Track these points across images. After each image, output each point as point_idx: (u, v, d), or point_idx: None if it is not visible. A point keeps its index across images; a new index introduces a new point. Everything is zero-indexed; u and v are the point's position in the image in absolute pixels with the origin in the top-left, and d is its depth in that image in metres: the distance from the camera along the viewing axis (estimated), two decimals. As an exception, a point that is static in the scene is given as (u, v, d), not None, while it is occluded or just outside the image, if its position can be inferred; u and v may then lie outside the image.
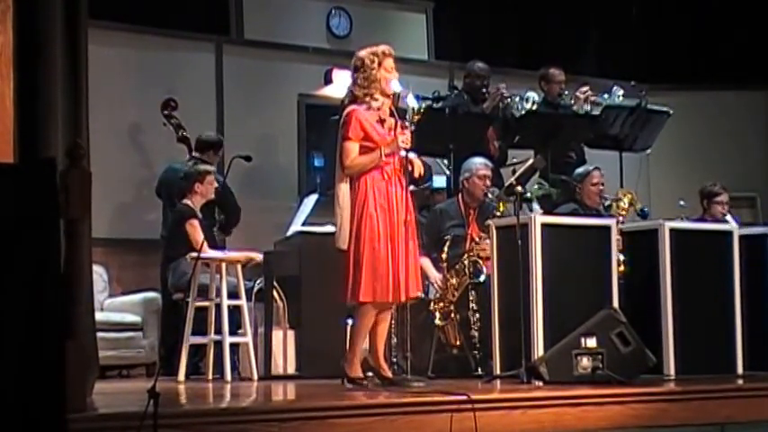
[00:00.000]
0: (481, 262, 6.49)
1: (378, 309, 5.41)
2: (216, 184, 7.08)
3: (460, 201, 6.98)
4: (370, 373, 5.51)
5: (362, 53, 5.51)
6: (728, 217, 7.96)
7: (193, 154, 7.76)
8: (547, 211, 7.04)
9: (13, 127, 4.08)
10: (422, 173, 5.59)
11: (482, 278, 6.45)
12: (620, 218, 6.96)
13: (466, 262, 6.57)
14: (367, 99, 5.46)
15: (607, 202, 7.27)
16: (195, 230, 6.77)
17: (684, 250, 6.04)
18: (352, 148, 5.41)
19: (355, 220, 5.36)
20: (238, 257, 6.71)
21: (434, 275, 6.72)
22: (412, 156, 5.46)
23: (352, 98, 5.51)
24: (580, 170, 7.42)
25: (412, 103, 5.60)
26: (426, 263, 6.78)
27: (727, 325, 6.14)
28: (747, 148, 10.77)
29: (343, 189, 5.43)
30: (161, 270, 7.49)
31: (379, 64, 5.46)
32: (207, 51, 9.16)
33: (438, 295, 6.67)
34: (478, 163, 6.96)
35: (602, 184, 7.30)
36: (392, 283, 5.33)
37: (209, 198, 7.08)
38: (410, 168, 5.44)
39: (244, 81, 9.22)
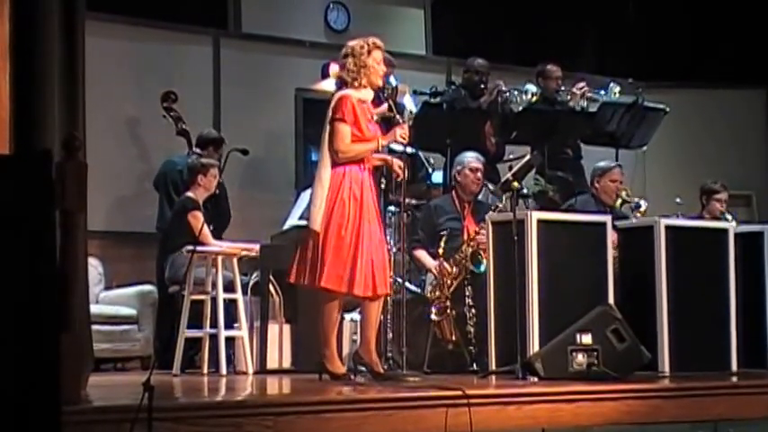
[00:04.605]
0: (482, 253, 6.48)
1: (339, 299, 5.41)
2: (219, 178, 7.09)
3: (455, 196, 7.00)
4: (362, 368, 5.51)
5: (353, 41, 5.57)
6: (728, 216, 7.96)
7: (194, 150, 7.76)
8: (546, 207, 7.07)
9: (10, 118, 4.07)
10: (401, 175, 5.60)
11: (482, 268, 6.43)
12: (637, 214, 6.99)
13: (468, 252, 6.57)
14: (355, 84, 5.47)
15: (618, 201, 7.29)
16: (198, 221, 6.77)
17: (680, 247, 6.05)
18: (346, 131, 5.42)
19: (329, 205, 5.37)
20: (235, 251, 6.70)
21: (432, 263, 6.72)
22: (392, 158, 5.58)
23: (342, 84, 5.53)
24: (602, 164, 7.40)
25: (410, 105, 5.65)
26: (423, 254, 6.80)
27: (722, 322, 6.15)
28: (744, 147, 10.77)
29: (327, 172, 5.42)
30: (157, 262, 7.48)
31: (369, 52, 5.49)
32: (204, 45, 9.15)
33: (435, 282, 6.66)
34: (470, 156, 7.02)
35: (621, 182, 7.32)
36: (359, 275, 5.32)
37: (211, 191, 7.09)
38: (392, 168, 5.53)
39: (241, 75, 9.21)
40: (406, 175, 5.72)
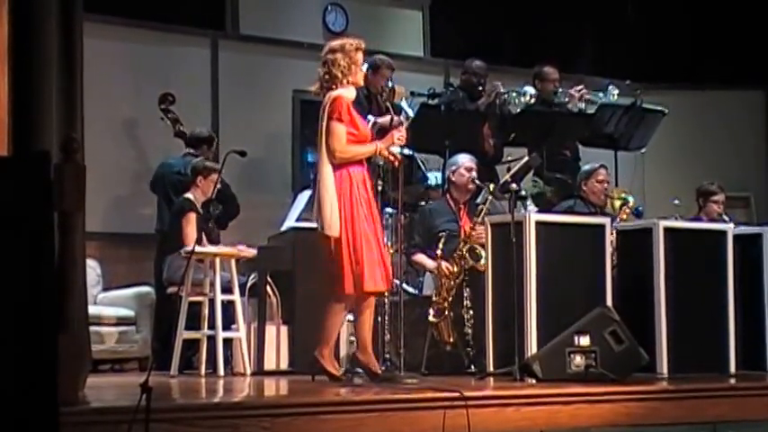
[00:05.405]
0: (479, 247, 6.47)
1: (350, 300, 5.43)
2: (218, 184, 7.05)
3: (449, 198, 7.01)
4: (359, 369, 5.51)
5: (338, 41, 5.56)
6: (725, 217, 7.95)
7: (187, 150, 7.76)
8: (544, 208, 7.07)
9: (8, 120, 4.08)
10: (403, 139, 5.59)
11: (483, 261, 6.40)
12: (620, 218, 7.00)
13: (464, 250, 6.57)
14: (344, 82, 5.45)
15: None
16: (189, 225, 6.77)
17: (679, 249, 6.04)
18: (342, 131, 5.38)
19: (345, 210, 5.34)
20: (232, 252, 6.70)
21: (432, 264, 6.70)
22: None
23: (329, 80, 5.47)
24: (587, 167, 7.46)
25: (407, 108, 5.65)
26: (422, 257, 6.80)
27: (720, 324, 6.14)
28: (742, 148, 10.78)
29: (329, 172, 5.38)
30: (155, 264, 7.48)
31: (357, 49, 5.48)
32: (202, 46, 9.15)
33: (437, 283, 6.64)
34: (463, 157, 7.02)
35: (608, 182, 7.34)
36: (386, 272, 5.39)
37: (208, 195, 7.07)
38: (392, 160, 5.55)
39: (239, 76, 9.21)
40: (402, 175, 5.73)
